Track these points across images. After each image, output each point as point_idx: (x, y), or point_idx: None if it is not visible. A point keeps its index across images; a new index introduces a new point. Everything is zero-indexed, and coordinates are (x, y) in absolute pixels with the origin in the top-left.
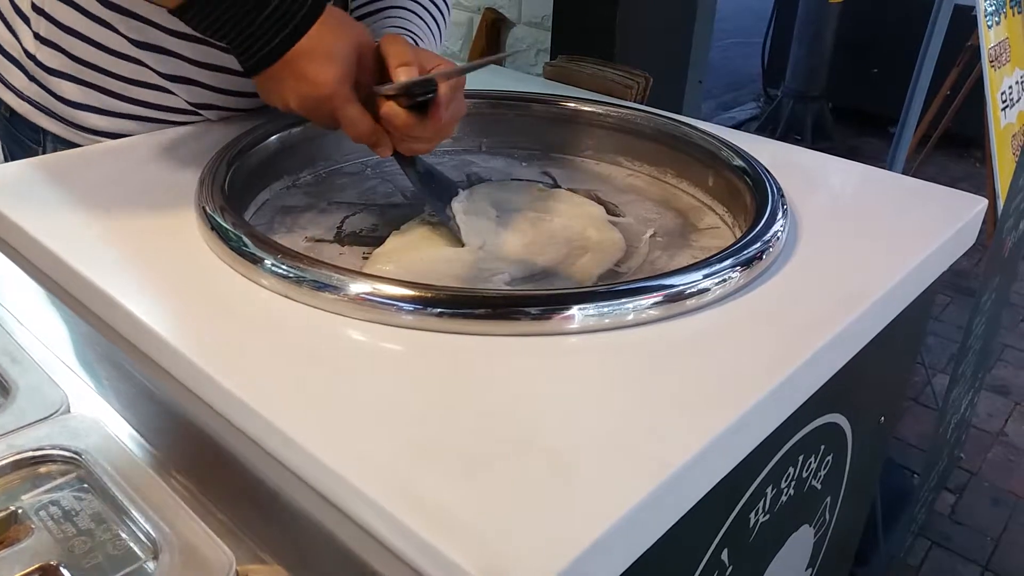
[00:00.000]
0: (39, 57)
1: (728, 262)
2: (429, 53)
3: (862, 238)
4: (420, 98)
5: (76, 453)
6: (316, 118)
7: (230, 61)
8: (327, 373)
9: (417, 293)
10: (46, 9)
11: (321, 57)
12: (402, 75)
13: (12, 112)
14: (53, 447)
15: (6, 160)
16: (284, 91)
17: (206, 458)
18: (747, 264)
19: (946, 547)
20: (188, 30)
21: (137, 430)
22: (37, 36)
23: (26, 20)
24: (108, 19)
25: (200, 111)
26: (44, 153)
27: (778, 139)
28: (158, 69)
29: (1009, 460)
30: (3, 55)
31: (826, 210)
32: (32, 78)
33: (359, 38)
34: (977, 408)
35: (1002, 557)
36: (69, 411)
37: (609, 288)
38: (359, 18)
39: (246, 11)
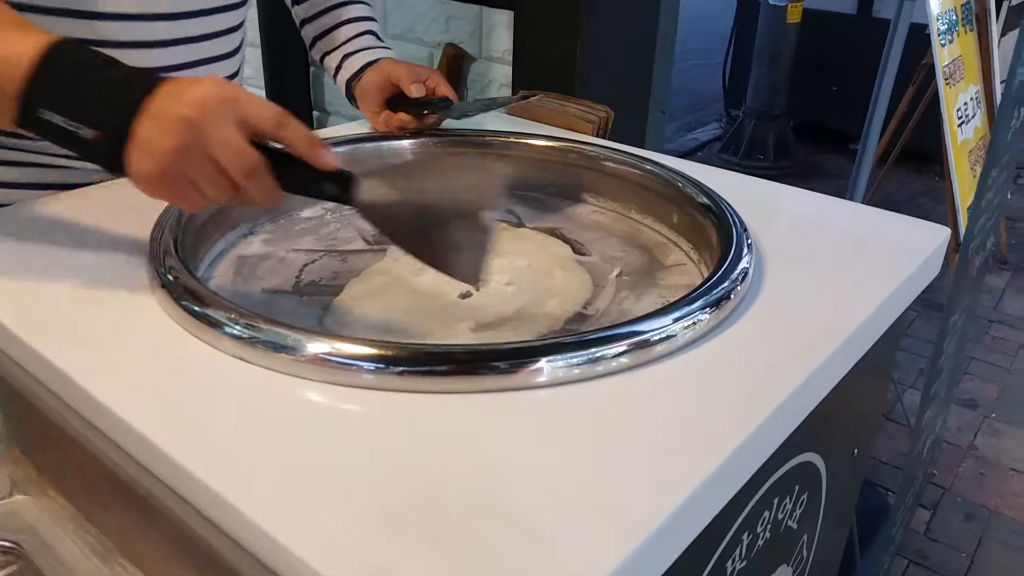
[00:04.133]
0: None
1: (697, 304)
2: (422, 68)
3: (828, 273)
4: (437, 110)
5: (15, 543)
6: (185, 165)
7: None
8: (286, 442)
9: (378, 351)
10: None
11: (192, 81)
12: (415, 91)
13: None
14: None
15: None
16: (159, 130)
17: (157, 542)
18: (715, 305)
19: (923, 565)
20: None
21: (83, 512)
22: None
23: None
24: None
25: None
26: None
27: (741, 158)
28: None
29: (980, 474)
30: None
31: (791, 244)
32: None
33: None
34: (947, 422)
35: (978, 573)
36: (11, 494)
37: (578, 338)
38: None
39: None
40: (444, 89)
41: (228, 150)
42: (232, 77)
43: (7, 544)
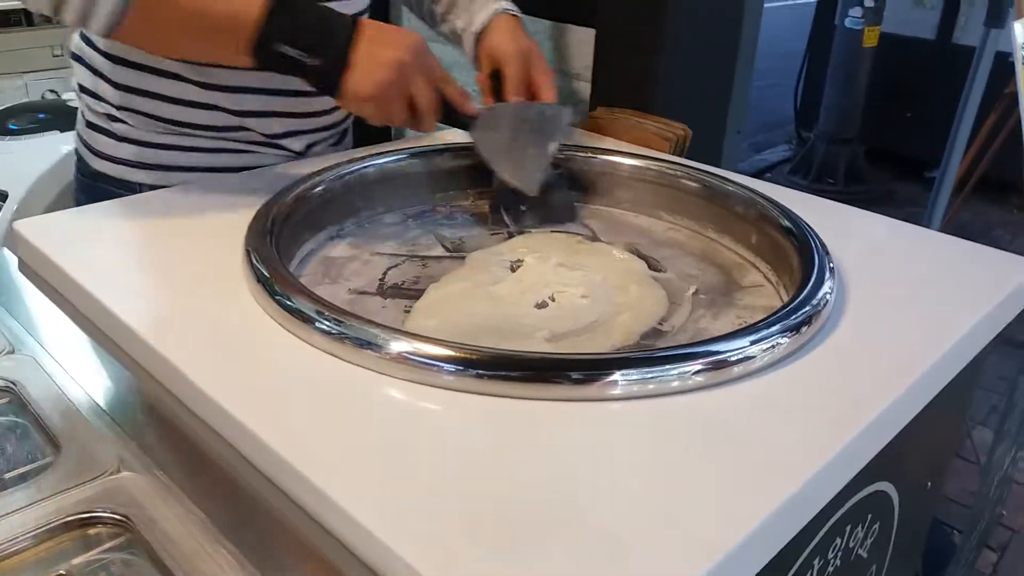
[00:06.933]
0: (123, 122)
1: (776, 328)
2: (534, 60)
3: (911, 303)
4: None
5: (125, 516)
6: (394, 93)
7: (296, 83)
8: (373, 437)
9: (458, 354)
10: (119, 80)
11: (391, 29)
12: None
13: (100, 175)
14: (102, 508)
15: None
16: (375, 64)
17: (254, 523)
18: (795, 329)
19: None
20: None
21: (186, 492)
22: (115, 104)
23: (100, 93)
24: (175, 70)
25: (278, 141)
26: None
27: (811, 181)
28: (230, 108)
29: None
30: (88, 125)
31: (871, 271)
32: (123, 138)
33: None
34: (1019, 463)
35: None
36: (119, 470)
37: (653, 354)
38: None
39: (315, 18)
40: (548, 95)
41: (421, 98)
42: None
43: (117, 517)
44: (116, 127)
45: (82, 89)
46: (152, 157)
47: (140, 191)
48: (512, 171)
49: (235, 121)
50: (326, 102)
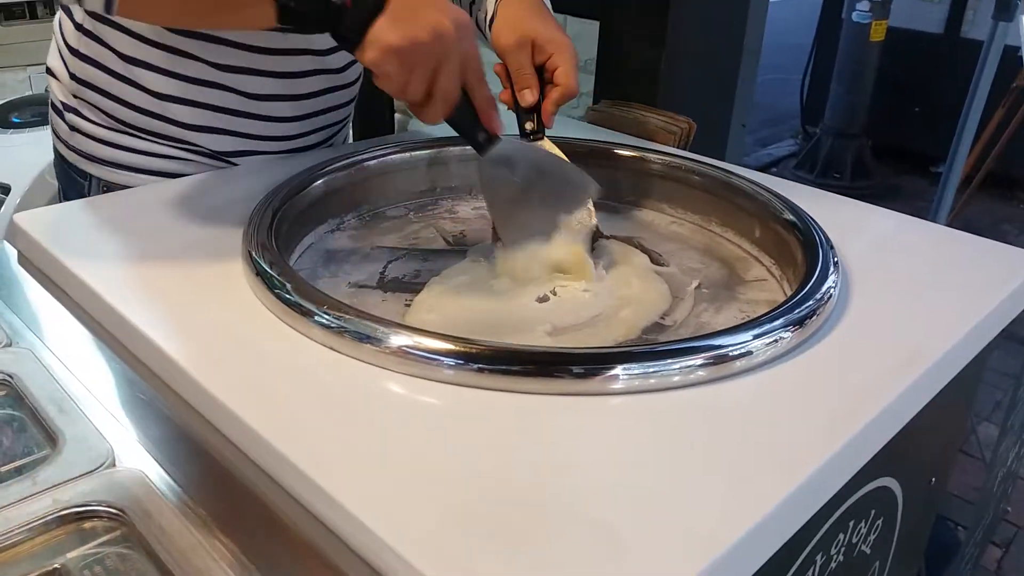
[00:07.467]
0: (75, 112)
1: (779, 322)
2: (550, 38)
3: (916, 297)
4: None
5: (121, 510)
6: (422, 59)
7: (257, 107)
8: (371, 431)
9: (458, 348)
10: (74, 71)
11: None
12: (528, 97)
13: (62, 157)
14: (98, 503)
15: (61, 199)
16: (415, 17)
17: (250, 517)
18: (799, 324)
19: None
20: (213, 76)
21: (181, 485)
22: (71, 93)
23: (60, 78)
24: (131, 75)
25: (228, 158)
26: (90, 194)
27: (816, 176)
28: (183, 121)
29: None
30: (51, 107)
31: (876, 265)
32: (73, 128)
33: None
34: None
35: None
36: (115, 464)
37: (654, 348)
38: None
39: None
40: (564, 79)
41: (446, 78)
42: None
43: (113, 510)
44: (69, 116)
45: (48, 69)
46: (100, 152)
47: (91, 182)
48: (508, 227)
49: (184, 134)
50: (285, 128)
